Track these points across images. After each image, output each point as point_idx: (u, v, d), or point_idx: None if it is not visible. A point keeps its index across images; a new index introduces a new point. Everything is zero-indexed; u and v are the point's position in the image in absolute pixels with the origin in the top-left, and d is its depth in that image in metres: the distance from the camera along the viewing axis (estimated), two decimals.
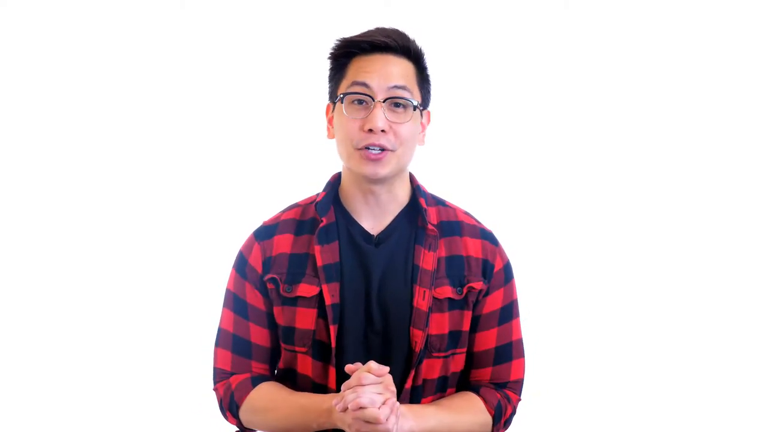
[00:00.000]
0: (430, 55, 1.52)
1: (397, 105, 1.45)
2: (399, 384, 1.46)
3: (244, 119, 2.71)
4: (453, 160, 2.61)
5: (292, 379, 1.52)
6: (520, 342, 1.59)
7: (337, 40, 1.49)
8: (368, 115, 1.43)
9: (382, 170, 1.44)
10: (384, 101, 1.43)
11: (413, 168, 1.57)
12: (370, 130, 1.42)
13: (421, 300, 1.47)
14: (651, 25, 2.69)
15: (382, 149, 1.43)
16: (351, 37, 1.48)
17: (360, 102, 1.45)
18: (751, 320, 2.69)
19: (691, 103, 2.71)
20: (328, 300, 1.45)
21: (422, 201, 1.52)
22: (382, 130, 1.42)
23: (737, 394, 2.64)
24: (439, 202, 1.58)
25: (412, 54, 1.48)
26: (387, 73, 1.44)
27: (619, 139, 2.73)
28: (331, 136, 1.53)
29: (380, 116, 1.42)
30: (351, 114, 1.45)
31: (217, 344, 1.56)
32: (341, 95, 1.46)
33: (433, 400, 1.51)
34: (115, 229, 2.71)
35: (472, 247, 1.53)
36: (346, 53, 1.48)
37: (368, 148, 1.43)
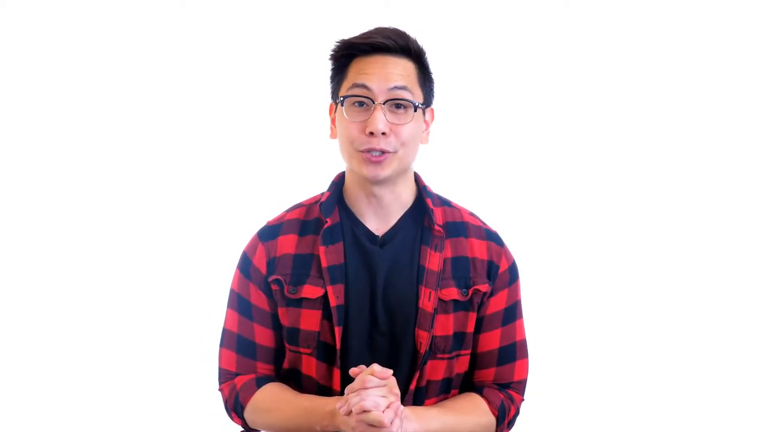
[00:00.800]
0: (430, 54, 1.51)
1: (398, 106, 1.44)
2: (404, 385, 1.46)
3: (246, 119, 2.70)
4: (454, 160, 2.60)
5: (296, 380, 1.52)
6: (523, 342, 1.59)
7: (337, 42, 1.49)
8: (369, 118, 1.42)
9: (383, 172, 1.44)
10: (384, 103, 1.43)
11: (416, 167, 1.57)
12: (371, 133, 1.42)
13: (427, 301, 1.46)
14: (651, 25, 2.70)
15: (383, 152, 1.43)
16: (350, 39, 1.47)
17: (360, 104, 1.44)
18: (751, 320, 2.70)
19: (691, 103, 2.72)
20: (333, 302, 1.45)
21: (429, 201, 1.52)
22: (383, 133, 1.42)
23: (737, 394, 2.64)
24: (444, 203, 1.58)
25: (413, 53, 1.47)
26: (387, 74, 1.43)
27: (620, 138, 2.73)
28: (333, 135, 1.52)
29: (381, 118, 1.42)
30: (352, 116, 1.44)
31: (222, 345, 1.56)
32: (342, 98, 1.45)
33: (436, 402, 1.51)
34: (118, 231, 2.70)
35: (478, 249, 1.53)
36: (347, 55, 1.47)
37: (369, 152, 1.42)
